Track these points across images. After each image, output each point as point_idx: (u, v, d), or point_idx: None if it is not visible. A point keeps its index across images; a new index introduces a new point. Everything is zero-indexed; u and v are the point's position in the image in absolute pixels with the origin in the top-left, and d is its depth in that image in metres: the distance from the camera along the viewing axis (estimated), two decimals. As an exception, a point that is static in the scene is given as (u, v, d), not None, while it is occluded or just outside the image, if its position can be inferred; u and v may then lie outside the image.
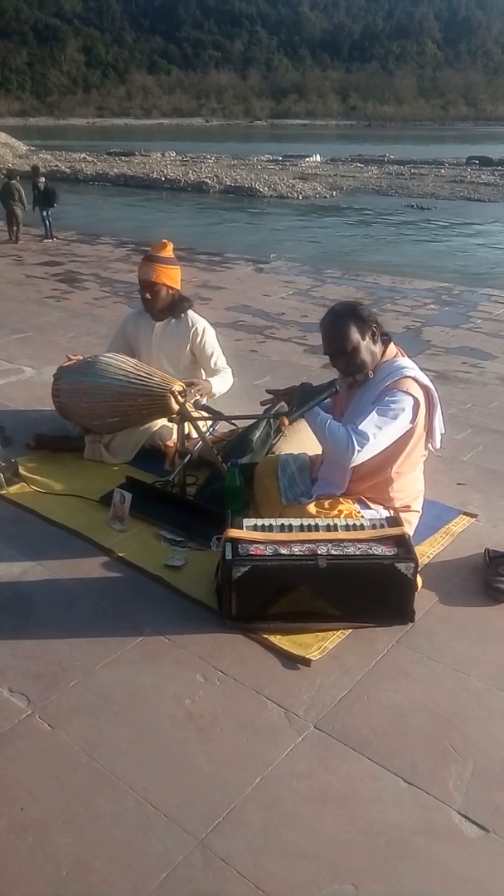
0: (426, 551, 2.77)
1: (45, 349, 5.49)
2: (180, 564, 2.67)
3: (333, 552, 2.30)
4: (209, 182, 26.74)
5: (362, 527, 2.44)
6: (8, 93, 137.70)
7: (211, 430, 3.52)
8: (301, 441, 3.17)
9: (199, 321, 3.67)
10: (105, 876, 1.57)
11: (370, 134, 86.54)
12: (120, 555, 2.74)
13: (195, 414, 3.31)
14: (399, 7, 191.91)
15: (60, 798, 1.75)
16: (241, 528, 2.44)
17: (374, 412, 2.47)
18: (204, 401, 3.49)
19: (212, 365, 3.67)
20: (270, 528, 2.45)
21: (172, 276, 3.63)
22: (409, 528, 2.61)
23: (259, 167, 33.80)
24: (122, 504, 2.91)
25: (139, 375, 3.38)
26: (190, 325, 3.65)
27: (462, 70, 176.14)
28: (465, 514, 3.09)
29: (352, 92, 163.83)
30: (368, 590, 2.32)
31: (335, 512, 2.56)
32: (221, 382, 3.65)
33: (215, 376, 3.65)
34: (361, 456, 2.46)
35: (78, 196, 22.43)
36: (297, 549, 2.32)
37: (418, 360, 2.73)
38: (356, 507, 2.61)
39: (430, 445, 2.70)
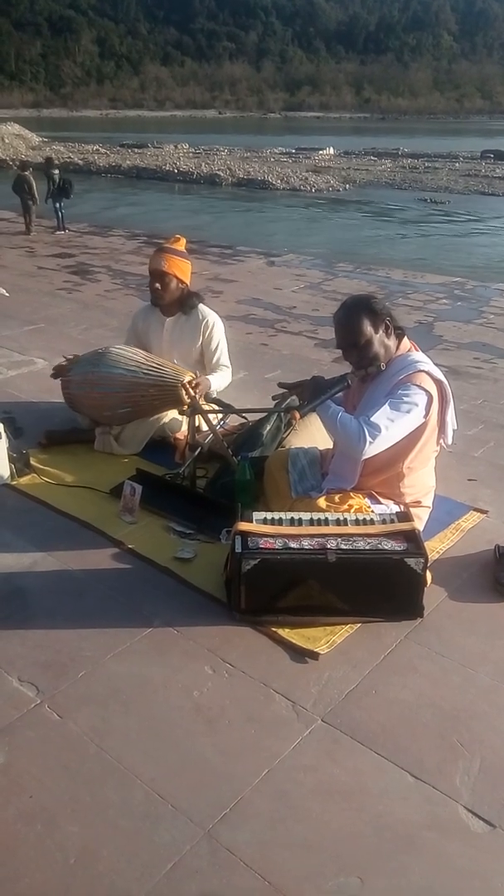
0: (436, 547, 2.77)
1: (57, 341, 5.50)
2: (190, 557, 2.68)
3: (343, 546, 2.30)
4: (222, 174, 26.64)
5: (372, 521, 2.44)
6: (22, 84, 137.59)
7: (221, 423, 3.52)
8: (312, 435, 3.17)
9: (210, 314, 3.67)
10: (112, 864, 1.58)
11: (384, 127, 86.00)
12: (129, 546, 2.76)
13: (206, 407, 3.31)
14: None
15: (69, 787, 1.76)
16: (250, 521, 2.44)
17: (386, 405, 2.46)
18: (214, 394, 3.48)
19: (213, 360, 3.65)
20: (280, 522, 2.45)
21: (183, 269, 3.62)
22: (420, 524, 2.60)
23: (272, 160, 33.61)
24: (132, 496, 2.92)
25: (151, 366, 3.38)
26: (201, 318, 3.64)
27: (478, 63, 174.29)
28: (476, 510, 3.08)
29: (366, 84, 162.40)
30: (377, 584, 2.32)
31: (345, 506, 2.56)
32: (219, 380, 3.61)
33: (215, 373, 3.62)
34: (373, 448, 2.45)
35: (90, 188, 22.41)
36: (306, 543, 2.32)
37: (430, 355, 2.71)
38: (366, 501, 2.60)
39: (441, 441, 2.69)
